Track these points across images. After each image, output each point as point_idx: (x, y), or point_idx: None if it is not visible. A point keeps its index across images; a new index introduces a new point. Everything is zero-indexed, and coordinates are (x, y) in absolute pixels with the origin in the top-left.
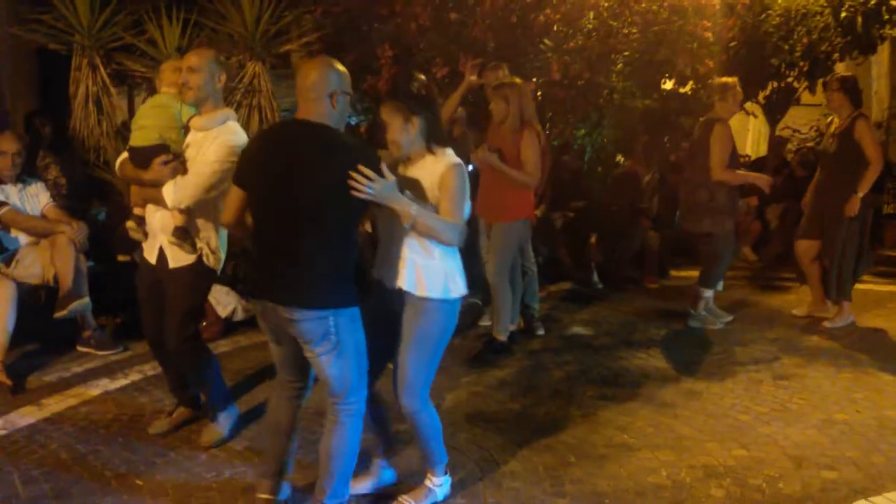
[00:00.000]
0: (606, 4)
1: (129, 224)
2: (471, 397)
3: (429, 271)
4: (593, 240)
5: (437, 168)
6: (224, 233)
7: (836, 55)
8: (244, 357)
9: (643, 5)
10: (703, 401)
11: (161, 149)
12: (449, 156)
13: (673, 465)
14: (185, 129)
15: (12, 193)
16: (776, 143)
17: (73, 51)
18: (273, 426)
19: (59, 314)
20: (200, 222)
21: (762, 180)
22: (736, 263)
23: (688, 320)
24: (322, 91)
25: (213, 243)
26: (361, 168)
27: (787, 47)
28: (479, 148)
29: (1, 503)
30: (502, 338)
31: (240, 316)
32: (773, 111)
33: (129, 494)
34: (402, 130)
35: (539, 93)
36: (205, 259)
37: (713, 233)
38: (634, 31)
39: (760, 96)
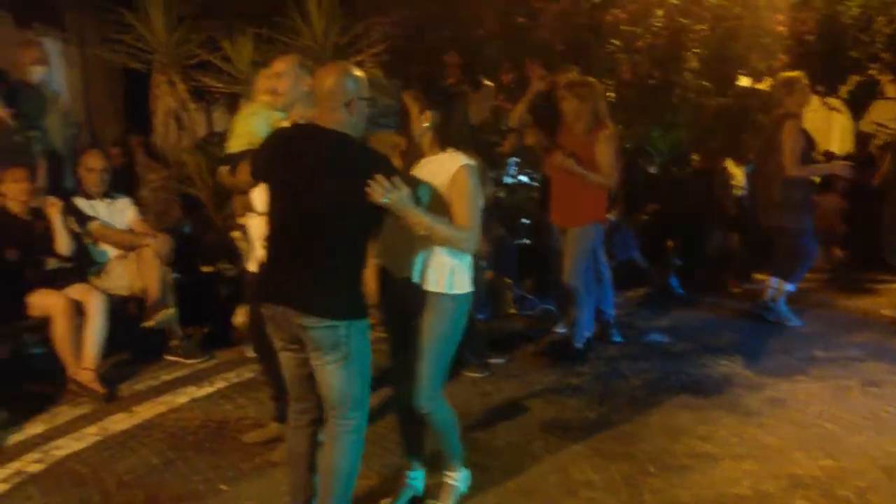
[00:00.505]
0: (676, 2)
1: (234, 233)
2: (546, 405)
3: (439, 266)
4: (670, 243)
5: (449, 167)
6: None
7: None
8: None
9: (713, 1)
10: (789, 409)
11: (248, 154)
12: (461, 156)
13: (756, 476)
14: None
15: (101, 208)
16: (861, 139)
17: (153, 69)
18: (293, 458)
19: (146, 324)
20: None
21: (838, 166)
22: (822, 265)
23: (764, 314)
24: (338, 99)
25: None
26: (378, 177)
27: (866, 39)
28: (553, 153)
29: (99, 501)
30: (579, 345)
31: None
32: (857, 106)
33: (215, 499)
34: (416, 119)
35: (612, 94)
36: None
37: (789, 228)
38: (705, 27)
39: (843, 91)
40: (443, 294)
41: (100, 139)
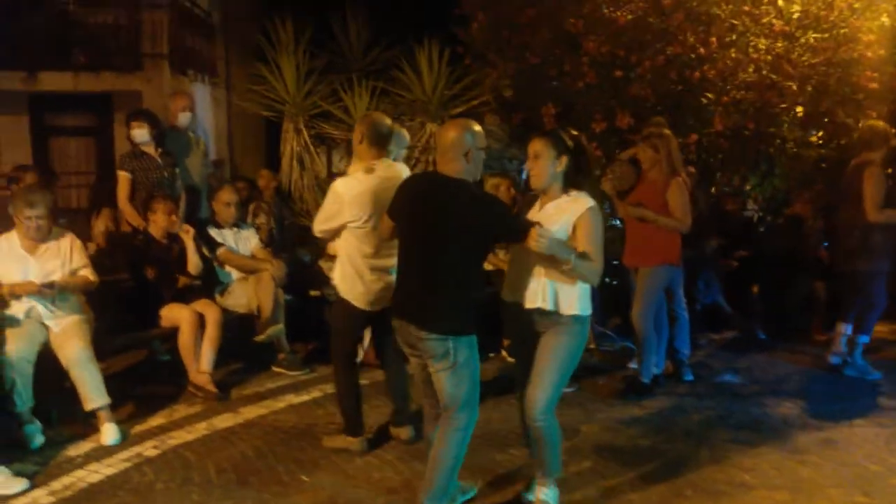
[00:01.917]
0: (768, 59)
1: (322, 262)
2: (603, 431)
3: (565, 291)
4: (755, 288)
5: (574, 207)
6: (363, 266)
7: None
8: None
9: (803, 59)
10: (837, 449)
11: None
12: (586, 197)
13: None
14: None
15: (228, 236)
16: None
17: (284, 117)
18: (429, 443)
19: (259, 339)
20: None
21: None
22: None
23: (845, 370)
24: (458, 151)
25: (337, 276)
26: (534, 229)
27: None
28: (622, 205)
29: (199, 485)
30: (645, 379)
31: None
32: None
33: (295, 486)
34: (550, 164)
35: (702, 140)
36: (337, 288)
37: (865, 272)
38: (793, 84)
39: None
40: (574, 315)
41: (240, 175)
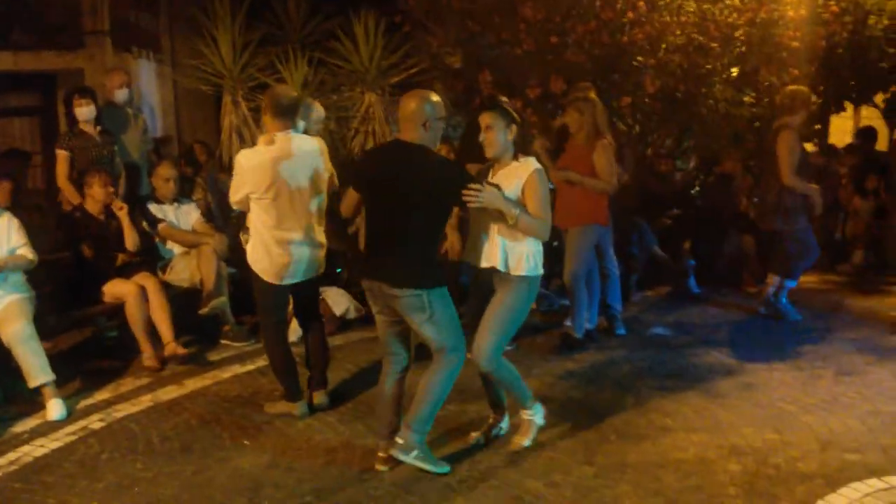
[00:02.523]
0: (692, 20)
1: (241, 235)
2: (538, 386)
3: (515, 253)
4: (686, 244)
5: (522, 172)
6: (274, 239)
7: None
8: (356, 350)
9: (728, 20)
10: (756, 392)
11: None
12: (532, 162)
13: (703, 445)
14: None
15: (169, 212)
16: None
17: (223, 91)
18: (383, 395)
19: (203, 311)
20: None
21: (817, 198)
22: (844, 268)
23: (760, 308)
24: (418, 120)
25: (249, 249)
26: (472, 185)
27: (891, 51)
28: (551, 169)
29: (143, 453)
30: (577, 335)
31: (352, 315)
32: (892, 114)
33: (237, 451)
34: (501, 133)
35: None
36: (248, 259)
37: (784, 230)
38: (715, 45)
39: (879, 100)
40: (521, 276)
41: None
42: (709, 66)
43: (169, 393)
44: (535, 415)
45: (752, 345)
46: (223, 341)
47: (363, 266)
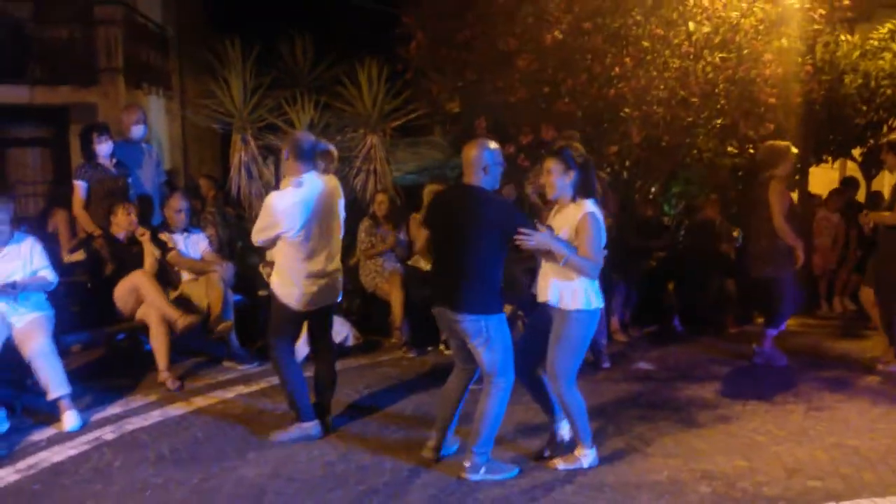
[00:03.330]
0: (675, 76)
1: (262, 268)
2: (523, 411)
3: (567, 289)
4: (671, 286)
5: (576, 213)
6: (301, 271)
7: None
8: (353, 375)
9: (709, 76)
10: (731, 424)
11: None
12: (587, 205)
13: (677, 469)
14: None
15: (179, 241)
16: (871, 199)
17: (233, 129)
18: (445, 396)
19: (210, 335)
20: (271, 260)
21: (798, 252)
22: (830, 313)
23: (753, 357)
24: (479, 164)
25: (275, 279)
26: (523, 230)
27: (864, 108)
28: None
29: (153, 462)
30: None
31: (351, 342)
32: (869, 168)
33: (242, 462)
34: (560, 178)
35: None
36: (273, 288)
37: (774, 277)
38: (696, 99)
39: (857, 153)
40: (571, 310)
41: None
42: (690, 119)
43: (177, 409)
44: (586, 458)
45: (729, 381)
46: (227, 363)
47: (432, 294)
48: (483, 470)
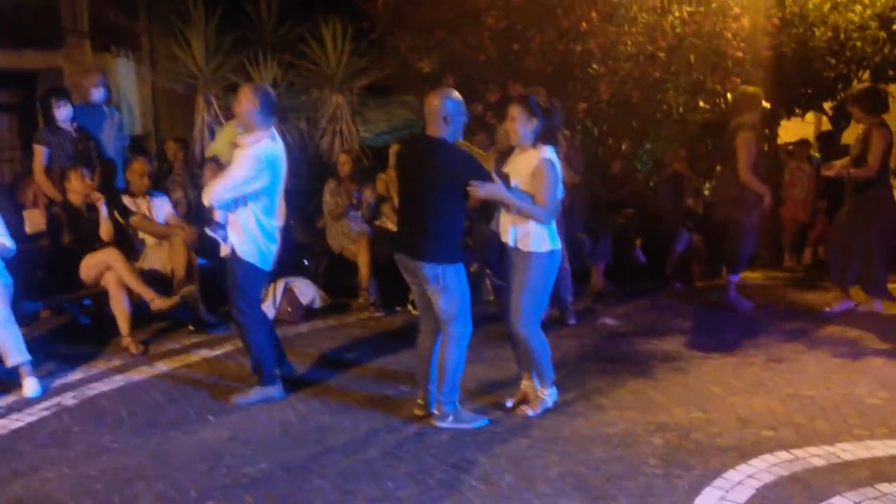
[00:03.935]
0: (642, 31)
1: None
2: (485, 369)
3: (523, 231)
4: (639, 242)
5: (532, 160)
6: (267, 229)
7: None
8: (319, 337)
9: (677, 31)
10: (689, 376)
11: (212, 160)
12: (543, 150)
13: (632, 421)
14: (234, 146)
15: (142, 205)
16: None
17: (197, 90)
18: (419, 354)
19: (174, 299)
20: (232, 219)
21: (767, 199)
22: (796, 266)
23: (720, 307)
24: (439, 114)
25: (242, 238)
26: (474, 182)
27: (833, 62)
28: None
29: (112, 427)
30: None
31: (318, 304)
32: (839, 121)
33: (201, 425)
34: (523, 125)
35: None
36: (236, 250)
37: (739, 221)
38: (662, 54)
39: (828, 107)
40: (529, 252)
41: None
42: (657, 75)
43: (140, 373)
44: (549, 397)
45: (692, 334)
46: (192, 327)
47: (395, 242)
48: (451, 418)
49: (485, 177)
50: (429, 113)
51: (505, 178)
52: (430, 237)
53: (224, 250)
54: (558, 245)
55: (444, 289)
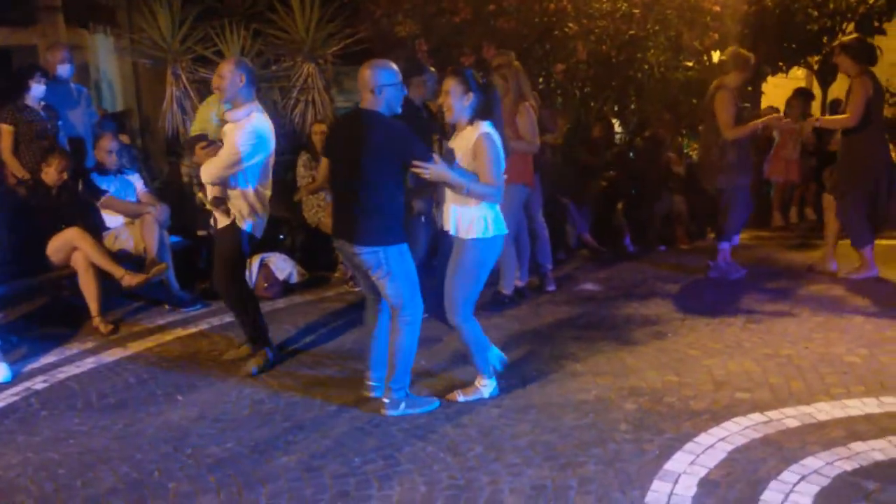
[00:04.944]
0: None
1: (199, 195)
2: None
3: (465, 217)
4: (620, 205)
5: (471, 136)
6: (262, 199)
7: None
8: (296, 312)
9: None
10: (665, 340)
11: (200, 137)
12: (481, 126)
13: (605, 387)
14: (222, 122)
15: (113, 182)
16: (832, 106)
17: (167, 63)
18: (368, 333)
19: (146, 277)
20: (232, 193)
21: (772, 119)
22: (785, 225)
23: (708, 272)
24: (368, 85)
25: (245, 210)
26: (418, 163)
27: (816, 14)
28: None
29: (81, 410)
30: (507, 291)
31: (295, 279)
32: (825, 75)
33: (170, 405)
34: (458, 99)
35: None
36: (238, 221)
37: (725, 188)
38: (636, 10)
39: (813, 61)
40: (471, 239)
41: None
42: (632, 32)
43: (112, 355)
44: (486, 388)
45: (672, 298)
46: (168, 306)
47: (332, 226)
48: (403, 405)
49: (426, 153)
50: (360, 85)
51: (451, 155)
52: (369, 219)
53: (222, 222)
54: (503, 230)
55: (389, 273)
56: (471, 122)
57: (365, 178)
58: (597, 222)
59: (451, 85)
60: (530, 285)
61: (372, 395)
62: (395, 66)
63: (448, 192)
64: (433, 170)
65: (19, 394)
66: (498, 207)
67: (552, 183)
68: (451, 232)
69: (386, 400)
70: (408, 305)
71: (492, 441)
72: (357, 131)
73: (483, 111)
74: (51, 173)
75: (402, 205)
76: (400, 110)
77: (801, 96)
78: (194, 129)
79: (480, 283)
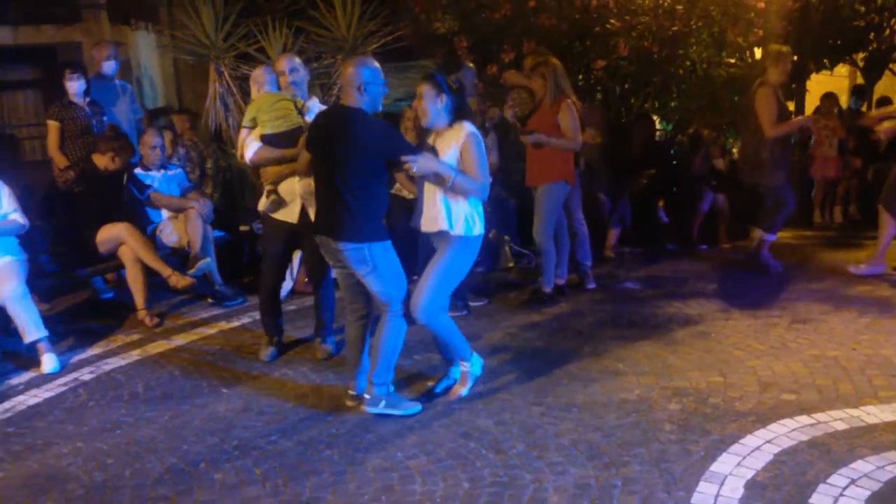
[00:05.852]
0: None
1: (270, 189)
2: (503, 336)
3: (456, 212)
4: (660, 203)
5: (457, 136)
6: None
7: None
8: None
9: None
10: (709, 340)
11: (300, 130)
12: (466, 126)
13: (648, 387)
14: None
15: (157, 178)
16: (879, 104)
17: (209, 60)
18: (349, 342)
19: (189, 272)
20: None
21: (807, 121)
22: (828, 223)
23: (748, 263)
24: (353, 83)
25: (301, 199)
26: (405, 158)
27: (863, 10)
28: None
29: (127, 401)
30: (547, 289)
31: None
32: (871, 72)
33: (215, 398)
34: (432, 102)
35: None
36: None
37: (767, 185)
38: (680, 7)
39: (859, 58)
40: (459, 236)
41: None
42: (675, 28)
43: (157, 347)
44: (473, 366)
45: (715, 297)
46: (210, 300)
47: (315, 222)
48: (383, 403)
49: (410, 148)
50: (343, 82)
51: (434, 154)
52: (352, 216)
53: (290, 216)
54: (482, 230)
55: (375, 269)
56: (451, 125)
57: (348, 176)
58: (635, 220)
59: (424, 88)
60: (570, 283)
61: (352, 403)
62: (377, 65)
63: (436, 189)
64: (421, 161)
65: (67, 384)
66: (479, 206)
67: (589, 179)
68: (445, 227)
69: (367, 396)
70: (395, 301)
71: (534, 439)
72: (340, 129)
73: (459, 112)
74: (100, 160)
75: (386, 202)
76: (381, 108)
77: (829, 98)
78: (289, 124)
79: (456, 282)
